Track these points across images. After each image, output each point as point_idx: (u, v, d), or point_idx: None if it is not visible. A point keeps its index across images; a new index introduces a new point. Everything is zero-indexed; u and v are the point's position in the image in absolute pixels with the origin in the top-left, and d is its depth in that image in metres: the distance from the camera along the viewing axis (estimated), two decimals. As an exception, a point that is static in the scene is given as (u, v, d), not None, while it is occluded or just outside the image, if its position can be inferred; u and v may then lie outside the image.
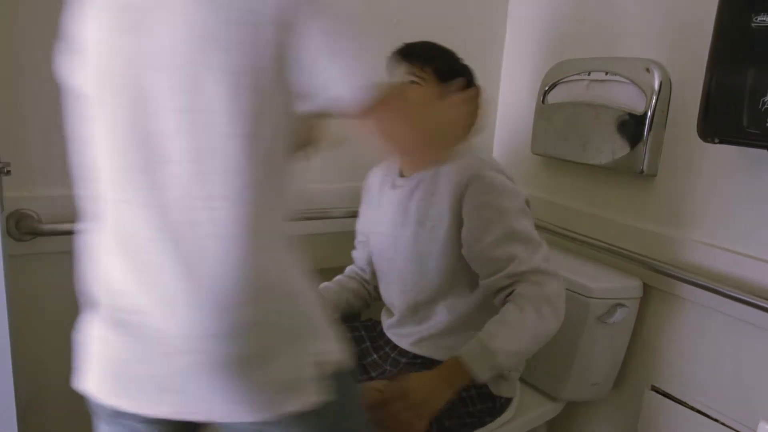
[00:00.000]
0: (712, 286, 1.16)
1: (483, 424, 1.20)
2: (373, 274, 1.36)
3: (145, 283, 0.70)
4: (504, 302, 1.08)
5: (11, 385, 0.99)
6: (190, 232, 0.67)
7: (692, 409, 1.27)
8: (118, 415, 0.76)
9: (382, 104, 0.69)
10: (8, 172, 1.02)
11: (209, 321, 0.68)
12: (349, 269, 1.43)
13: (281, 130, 0.70)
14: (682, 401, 1.29)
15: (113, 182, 0.71)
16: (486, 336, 1.02)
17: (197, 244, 0.67)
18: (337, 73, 0.67)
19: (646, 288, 1.34)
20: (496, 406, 1.21)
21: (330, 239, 1.52)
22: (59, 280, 1.23)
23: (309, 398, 0.72)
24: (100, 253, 0.75)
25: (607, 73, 1.37)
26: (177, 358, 0.69)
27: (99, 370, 0.75)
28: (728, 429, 1.20)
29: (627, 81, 1.32)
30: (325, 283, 1.37)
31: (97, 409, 0.79)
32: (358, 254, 1.40)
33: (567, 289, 1.29)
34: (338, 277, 1.40)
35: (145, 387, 0.72)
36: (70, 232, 1.19)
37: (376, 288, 1.38)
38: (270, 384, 0.71)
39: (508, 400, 1.25)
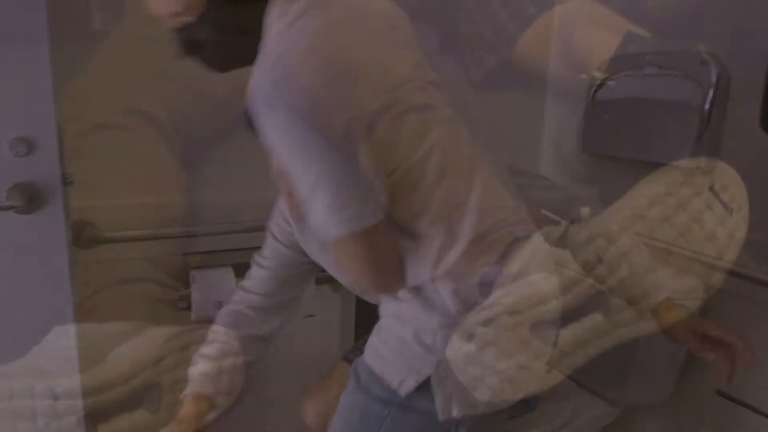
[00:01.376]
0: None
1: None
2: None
3: None
4: None
5: (79, 393, 1.02)
6: None
7: (763, 414, 1.21)
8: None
9: None
10: (71, 182, 1.06)
11: None
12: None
13: None
14: (752, 406, 1.24)
15: None
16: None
17: None
18: None
19: (708, 289, 1.29)
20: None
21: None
22: (122, 287, 1.27)
23: None
24: None
25: (660, 68, 1.33)
26: None
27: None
28: (803, 435, 1.15)
29: (682, 75, 1.28)
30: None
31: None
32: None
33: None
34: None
35: None
36: (131, 240, 1.24)
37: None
38: None
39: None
